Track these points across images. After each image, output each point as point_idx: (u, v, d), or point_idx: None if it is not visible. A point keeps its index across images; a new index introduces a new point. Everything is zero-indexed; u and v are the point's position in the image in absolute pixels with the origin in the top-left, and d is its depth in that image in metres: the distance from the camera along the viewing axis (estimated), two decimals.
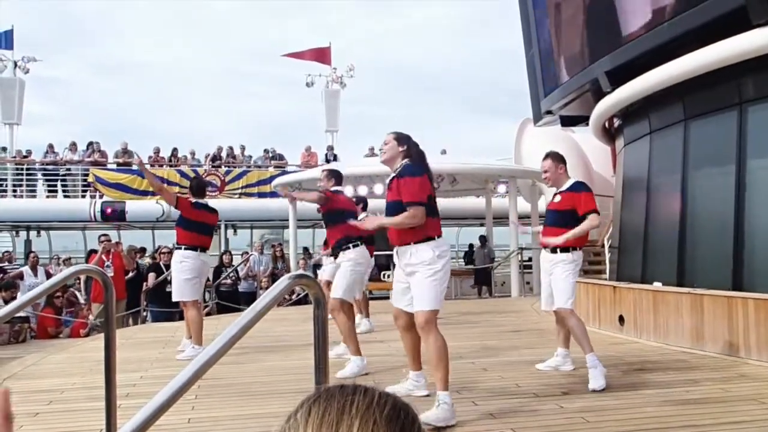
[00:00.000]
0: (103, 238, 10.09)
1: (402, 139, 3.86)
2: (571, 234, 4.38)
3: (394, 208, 3.72)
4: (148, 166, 16.04)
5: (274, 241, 16.27)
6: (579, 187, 4.57)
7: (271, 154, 17.60)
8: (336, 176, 5.47)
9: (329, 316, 2.93)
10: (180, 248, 5.83)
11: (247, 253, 13.23)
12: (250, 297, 11.04)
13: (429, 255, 3.61)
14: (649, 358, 5.18)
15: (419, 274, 3.61)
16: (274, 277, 11.24)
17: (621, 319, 6.39)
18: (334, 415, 0.68)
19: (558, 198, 4.63)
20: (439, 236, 3.72)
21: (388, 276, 11.98)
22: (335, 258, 5.26)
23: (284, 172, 15.88)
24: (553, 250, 4.54)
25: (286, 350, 5.90)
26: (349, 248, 5.07)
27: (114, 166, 16.31)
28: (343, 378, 4.63)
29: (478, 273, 13.67)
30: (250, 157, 17.73)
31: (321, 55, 19.59)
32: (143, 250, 13.11)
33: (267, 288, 11.16)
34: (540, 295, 4.89)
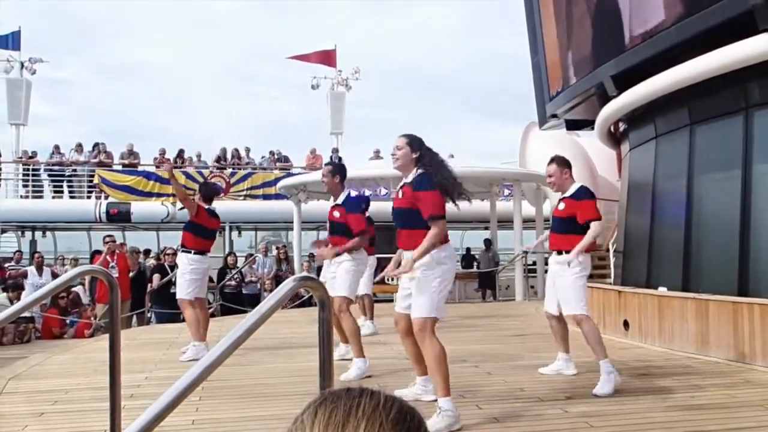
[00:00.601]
0: (107, 239, 10.12)
1: (415, 144, 3.76)
2: (576, 251, 4.38)
3: (402, 215, 3.73)
4: (154, 169, 16.14)
5: (275, 243, 16.27)
6: (581, 194, 4.56)
7: (276, 156, 17.63)
8: (340, 172, 5.17)
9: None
10: (189, 252, 6.02)
11: (251, 254, 13.24)
12: (254, 299, 11.06)
13: (427, 260, 3.57)
14: (654, 363, 5.16)
15: (416, 280, 3.59)
16: (278, 279, 11.25)
17: (626, 323, 6.37)
18: (340, 417, 0.69)
19: (561, 205, 4.65)
20: (442, 243, 3.63)
21: (392, 279, 11.97)
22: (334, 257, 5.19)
23: (289, 174, 15.88)
24: (559, 252, 4.57)
25: (290, 352, 5.90)
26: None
27: (120, 168, 16.35)
28: (348, 381, 4.63)
29: (482, 276, 13.65)
30: (264, 157, 17.74)
31: (326, 57, 19.60)
32: (147, 252, 13.13)
33: (270, 290, 11.14)
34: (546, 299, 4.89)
